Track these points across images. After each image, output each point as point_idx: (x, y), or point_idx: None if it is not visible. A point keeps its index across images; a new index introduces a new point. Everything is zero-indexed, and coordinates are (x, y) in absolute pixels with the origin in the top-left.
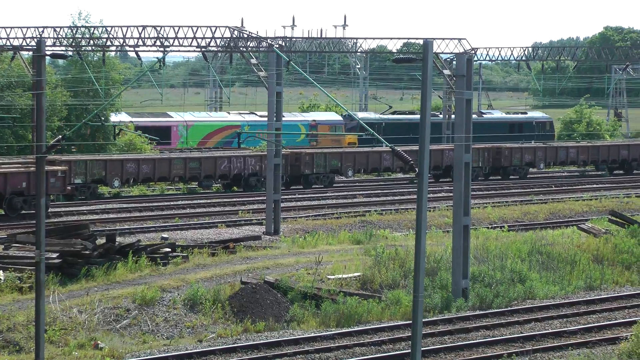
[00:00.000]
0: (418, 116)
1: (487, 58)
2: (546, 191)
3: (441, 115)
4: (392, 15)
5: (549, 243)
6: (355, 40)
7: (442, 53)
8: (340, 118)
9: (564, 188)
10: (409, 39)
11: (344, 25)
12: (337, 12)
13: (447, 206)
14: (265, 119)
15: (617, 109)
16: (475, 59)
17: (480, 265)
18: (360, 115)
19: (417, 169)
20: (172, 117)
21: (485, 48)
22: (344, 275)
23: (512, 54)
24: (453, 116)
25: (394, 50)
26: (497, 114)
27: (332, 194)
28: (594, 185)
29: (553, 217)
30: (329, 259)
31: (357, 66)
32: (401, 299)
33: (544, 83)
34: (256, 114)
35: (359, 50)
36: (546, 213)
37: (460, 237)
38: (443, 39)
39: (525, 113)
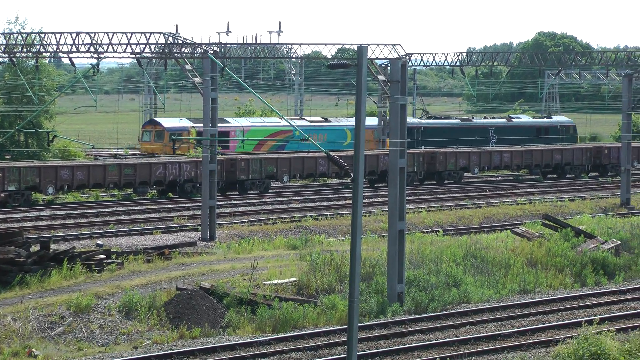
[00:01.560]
0: (455, 120)
1: (422, 63)
2: (480, 195)
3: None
4: (327, 21)
5: (483, 247)
6: (290, 46)
7: (377, 59)
8: (375, 123)
9: (498, 192)
10: (343, 44)
11: (279, 31)
12: (272, 18)
13: (382, 211)
14: (315, 124)
15: (550, 114)
16: (410, 64)
17: (416, 270)
18: None
19: (352, 174)
20: (230, 122)
21: (420, 54)
22: (280, 281)
23: (446, 59)
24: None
25: (329, 56)
26: (525, 119)
27: (268, 200)
28: (528, 190)
29: (487, 221)
30: (264, 265)
31: (292, 72)
32: (337, 304)
33: (477, 88)
34: (306, 119)
35: (293, 56)
36: (480, 217)
37: (396, 241)
38: (377, 44)
39: (551, 117)
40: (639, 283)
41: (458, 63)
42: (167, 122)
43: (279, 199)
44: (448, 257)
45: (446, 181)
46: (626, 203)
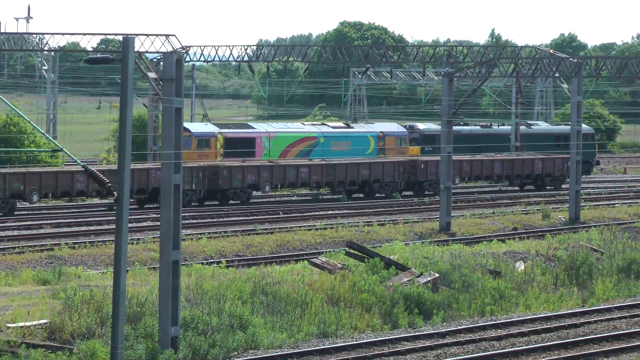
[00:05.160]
0: (476, 127)
1: (202, 58)
2: (273, 219)
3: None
4: (88, 6)
5: (275, 281)
6: (41, 36)
7: (147, 52)
8: (403, 129)
9: (293, 215)
10: (107, 34)
11: (28, 18)
12: (20, 2)
13: (153, 237)
14: (337, 130)
15: (356, 120)
16: (188, 59)
17: (193, 309)
18: (422, 126)
19: (116, 193)
20: (255, 128)
21: (200, 46)
22: (28, 323)
23: (231, 53)
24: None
25: (90, 49)
26: (544, 125)
27: (13, 224)
28: (330, 212)
29: (281, 250)
30: (8, 304)
31: (44, 67)
32: (97, 351)
33: (269, 89)
34: (328, 125)
35: (45, 48)
36: (272, 245)
37: (169, 275)
38: (148, 35)
39: (568, 125)
40: (460, 324)
41: (246, 58)
42: (194, 127)
43: (27, 222)
44: (233, 293)
45: (231, 201)
46: (446, 228)
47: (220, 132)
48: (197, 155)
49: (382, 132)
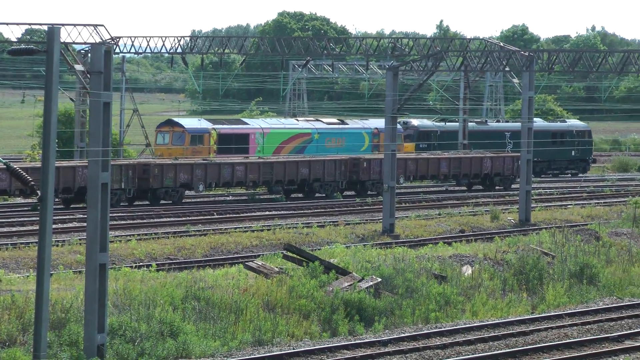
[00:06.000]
0: (471, 124)
1: (133, 50)
2: (206, 220)
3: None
4: None
5: (208, 286)
6: None
7: (75, 43)
8: (398, 126)
9: (228, 216)
10: (31, 24)
11: None
12: None
13: (79, 239)
14: (332, 126)
15: (294, 116)
16: (117, 51)
17: (121, 316)
18: (417, 122)
19: (40, 192)
20: (249, 124)
21: (130, 37)
22: None
23: (164, 44)
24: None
25: (13, 39)
26: (540, 122)
27: None
28: (267, 213)
29: (214, 253)
30: None
31: None
32: (19, 359)
33: (204, 82)
34: (322, 121)
35: None
36: (206, 248)
37: (96, 279)
38: (75, 25)
39: (565, 121)
40: (403, 332)
41: (179, 50)
42: (187, 123)
43: None
44: (163, 299)
45: (163, 201)
46: (389, 230)
47: (213, 128)
48: (191, 152)
49: (376, 128)
